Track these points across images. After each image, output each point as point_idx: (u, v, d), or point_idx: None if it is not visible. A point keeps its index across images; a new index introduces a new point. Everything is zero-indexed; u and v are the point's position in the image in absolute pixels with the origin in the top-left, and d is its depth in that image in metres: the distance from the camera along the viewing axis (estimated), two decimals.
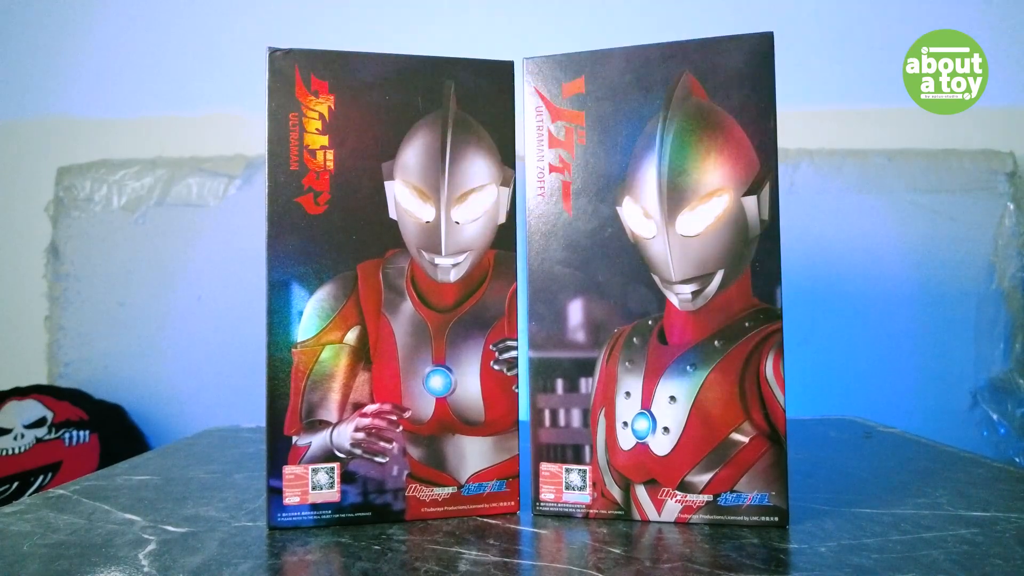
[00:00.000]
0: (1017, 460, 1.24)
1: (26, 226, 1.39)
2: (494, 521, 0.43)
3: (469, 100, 0.43)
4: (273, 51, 0.41)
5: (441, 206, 0.43)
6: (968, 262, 1.30)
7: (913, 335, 1.30)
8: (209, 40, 1.42)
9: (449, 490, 0.43)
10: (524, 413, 0.44)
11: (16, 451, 1.11)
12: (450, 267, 0.43)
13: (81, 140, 1.41)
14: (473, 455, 0.44)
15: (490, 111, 0.43)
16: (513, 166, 0.44)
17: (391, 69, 0.42)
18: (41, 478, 1.11)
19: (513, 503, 0.44)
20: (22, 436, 1.13)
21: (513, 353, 0.44)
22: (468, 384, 0.43)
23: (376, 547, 0.38)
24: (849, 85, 1.39)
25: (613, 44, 0.43)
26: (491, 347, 0.44)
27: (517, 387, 0.44)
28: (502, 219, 0.44)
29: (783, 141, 1.47)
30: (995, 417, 1.26)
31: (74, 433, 1.15)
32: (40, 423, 1.15)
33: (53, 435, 1.14)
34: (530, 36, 1.37)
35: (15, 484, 1.09)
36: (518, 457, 0.44)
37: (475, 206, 0.43)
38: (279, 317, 0.41)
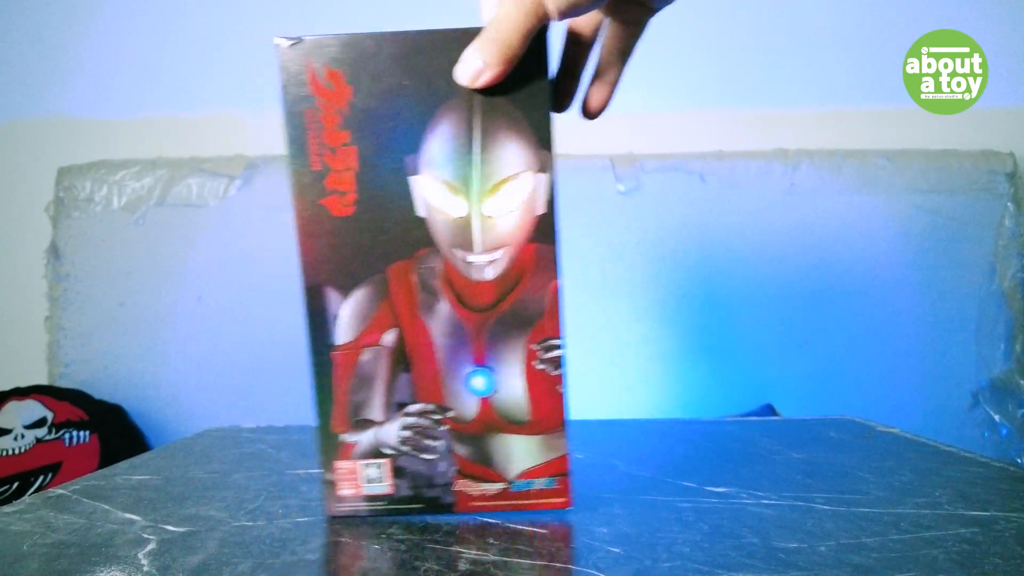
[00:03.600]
0: (1019, 461, 1.23)
1: (26, 226, 1.39)
2: (494, 520, 0.43)
3: None
4: (281, 42, 0.38)
5: (472, 199, 0.40)
6: (968, 262, 1.30)
7: (913, 335, 1.30)
8: (209, 40, 1.42)
9: (498, 486, 0.43)
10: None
11: (16, 451, 1.11)
12: (485, 264, 0.40)
13: (81, 140, 1.41)
14: (520, 453, 0.42)
15: (522, 87, 0.38)
16: (550, 148, 0.39)
17: (408, 48, 0.38)
18: (41, 478, 1.11)
19: (565, 499, 0.43)
20: (22, 436, 1.13)
21: (557, 352, 0.41)
22: (511, 384, 0.41)
23: (376, 546, 0.38)
24: (849, 85, 1.39)
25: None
26: (533, 346, 0.41)
27: (561, 386, 0.42)
28: (541, 209, 0.40)
29: (784, 141, 1.47)
30: (996, 418, 1.26)
31: (74, 433, 1.16)
32: (40, 423, 1.15)
33: (53, 435, 1.14)
34: None
35: (15, 484, 1.09)
36: (567, 456, 0.43)
37: (510, 197, 0.39)
38: (317, 322, 0.41)
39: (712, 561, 0.36)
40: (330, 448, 0.42)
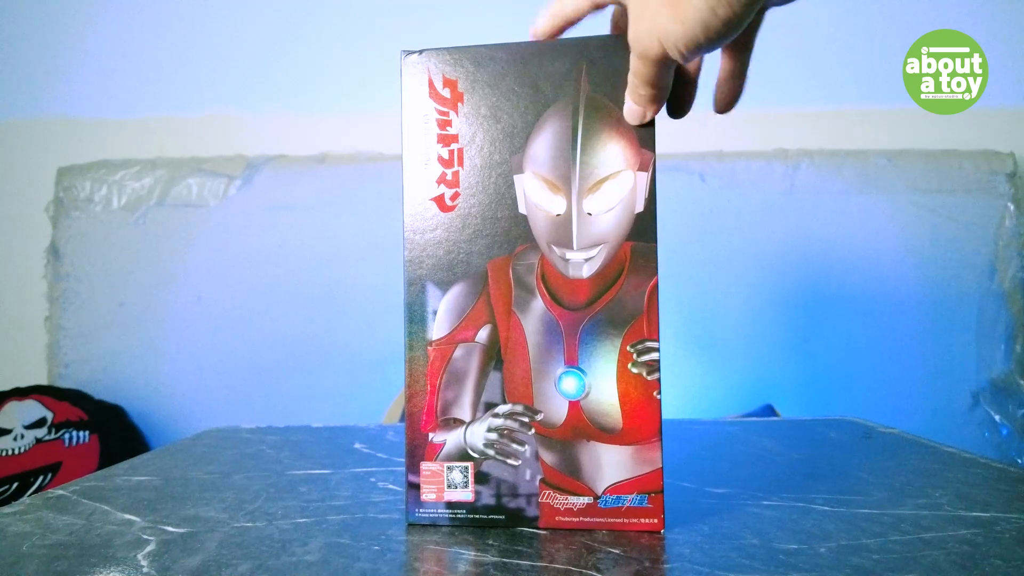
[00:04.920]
0: (1020, 461, 1.23)
1: (26, 226, 1.39)
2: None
3: (603, 80, 0.40)
4: (407, 53, 0.41)
5: (572, 197, 0.40)
6: (969, 263, 1.30)
7: (914, 335, 1.30)
8: (209, 40, 1.42)
9: (585, 500, 0.41)
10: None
11: (16, 451, 1.11)
12: (582, 262, 0.40)
13: (81, 140, 1.41)
14: (610, 465, 0.40)
15: (625, 89, 0.40)
16: (652, 148, 0.40)
17: (520, 58, 0.41)
18: (41, 478, 1.11)
19: (657, 520, 0.40)
20: (22, 436, 1.13)
21: (654, 355, 0.40)
22: (603, 388, 0.40)
23: (376, 547, 0.38)
24: (849, 85, 1.39)
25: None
26: (628, 348, 0.40)
27: (659, 393, 0.40)
28: (640, 208, 0.40)
29: (784, 141, 1.46)
30: (997, 418, 1.26)
31: (74, 433, 1.16)
32: (40, 423, 1.15)
33: (53, 435, 1.14)
34: None
35: (15, 485, 1.09)
36: (661, 471, 0.40)
37: (609, 195, 0.40)
38: (416, 315, 0.42)
39: (712, 562, 0.36)
40: (417, 448, 0.42)
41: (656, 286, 0.40)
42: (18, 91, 1.42)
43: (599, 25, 0.42)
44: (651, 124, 0.40)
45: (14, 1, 1.40)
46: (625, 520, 0.41)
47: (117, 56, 1.42)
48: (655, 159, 0.40)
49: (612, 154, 0.40)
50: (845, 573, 0.34)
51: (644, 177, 0.40)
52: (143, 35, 1.42)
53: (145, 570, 0.36)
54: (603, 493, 0.41)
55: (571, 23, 0.41)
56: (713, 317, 1.31)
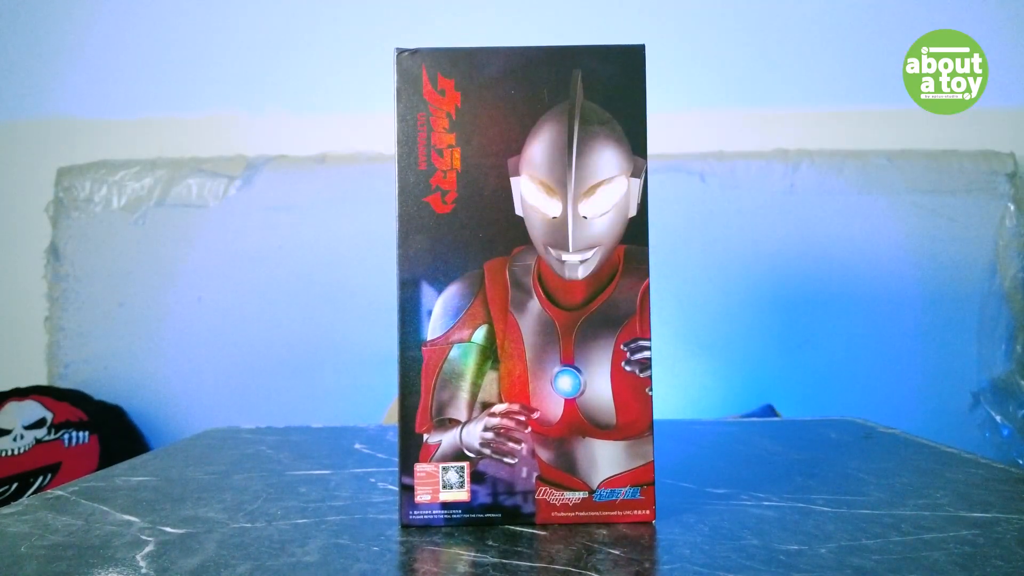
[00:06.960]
0: (1020, 462, 1.23)
1: (26, 226, 1.39)
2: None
3: (597, 88, 0.41)
4: (400, 52, 0.41)
5: (568, 200, 0.41)
6: (969, 263, 1.30)
7: (914, 336, 1.30)
8: (209, 40, 1.42)
9: (580, 495, 0.42)
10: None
11: (16, 452, 1.11)
12: (578, 264, 0.42)
13: (81, 140, 1.41)
14: (604, 460, 0.42)
15: (619, 98, 0.41)
16: (644, 155, 0.42)
17: (516, 63, 0.41)
18: (40, 479, 1.11)
19: (649, 511, 0.42)
20: (22, 437, 1.13)
21: (646, 353, 0.42)
22: (598, 385, 0.42)
23: (375, 548, 0.38)
24: (849, 85, 1.39)
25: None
26: (622, 347, 0.42)
27: (651, 389, 0.42)
28: (633, 212, 0.42)
29: (784, 141, 1.46)
30: (997, 418, 1.26)
31: (74, 434, 1.16)
32: (40, 424, 1.15)
33: (53, 436, 1.14)
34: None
35: (14, 485, 1.09)
36: (653, 464, 0.42)
37: (604, 199, 0.41)
38: (410, 315, 0.41)
39: (712, 563, 0.36)
40: (411, 449, 0.42)
41: (648, 287, 0.42)
42: (18, 91, 1.42)
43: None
44: (644, 130, 0.41)
45: (14, 1, 1.40)
46: (619, 512, 0.42)
47: (117, 56, 1.42)
48: (647, 165, 0.42)
49: (606, 160, 0.41)
50: (845, 574, 0.34)
51: (637, 183, 0.42)
52: (143, 35, 1.42)
53: (144, 571, 0.35)
54: (598, 487, 0.42)
55: None
56: (713, 317, 1.31)
